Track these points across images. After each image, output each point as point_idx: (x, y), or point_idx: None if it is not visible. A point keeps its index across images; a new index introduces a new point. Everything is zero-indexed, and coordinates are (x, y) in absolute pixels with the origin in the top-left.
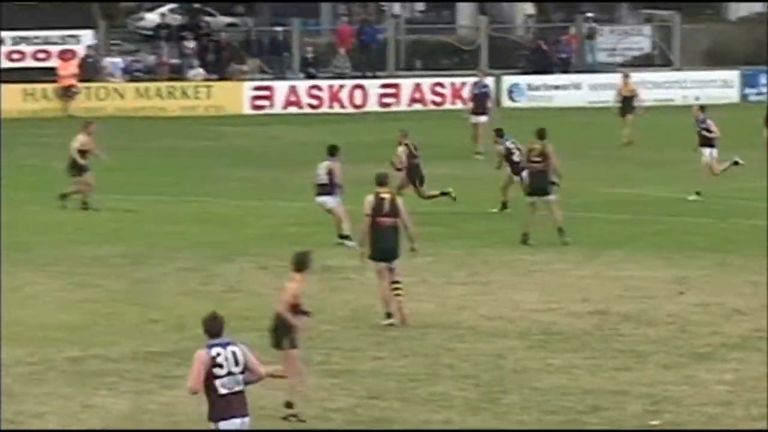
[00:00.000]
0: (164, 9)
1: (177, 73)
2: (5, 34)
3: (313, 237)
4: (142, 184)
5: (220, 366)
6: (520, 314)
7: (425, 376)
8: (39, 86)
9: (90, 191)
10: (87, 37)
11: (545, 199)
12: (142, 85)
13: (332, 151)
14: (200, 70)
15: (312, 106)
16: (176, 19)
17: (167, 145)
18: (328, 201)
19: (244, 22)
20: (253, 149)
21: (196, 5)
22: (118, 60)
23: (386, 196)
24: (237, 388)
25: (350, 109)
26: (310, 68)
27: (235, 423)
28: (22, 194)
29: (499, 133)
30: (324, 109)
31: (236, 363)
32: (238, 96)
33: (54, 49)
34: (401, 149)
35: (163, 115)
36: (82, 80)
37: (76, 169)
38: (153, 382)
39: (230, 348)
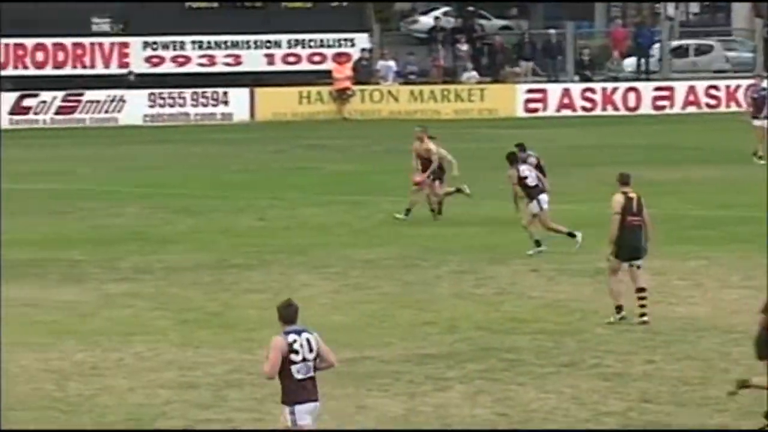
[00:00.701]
0: (438, 12)
1: (450, 76)
2: (281, 37)
3: (584, 240)
4: None
5: (296, 352)
6: None
7: (699, 380)
8: (314, 89)
9: (436, 199)
10: (362, 40)
11: None
12: (416, 87)
13: (516, 156)
14: (474, 73)
15: (585, 109)
16: (450, 22)
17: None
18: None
19: (518, 25)
20: None
21: (471, 8)
22: (391, 63)
23: (633, 195)
24: (309, 374)
25: (624, 112)
26: (585, 71)
27: (310, 407)
28: (295, 196)
29: (522, 148)
30: (597, 112)
31: (310, 350)
32: (511, 99)
33: (329, 52)
34: (433, 146)
35: (437, 117)
36: (356, 83)
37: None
38: (426, 384)
39: (304, 335)
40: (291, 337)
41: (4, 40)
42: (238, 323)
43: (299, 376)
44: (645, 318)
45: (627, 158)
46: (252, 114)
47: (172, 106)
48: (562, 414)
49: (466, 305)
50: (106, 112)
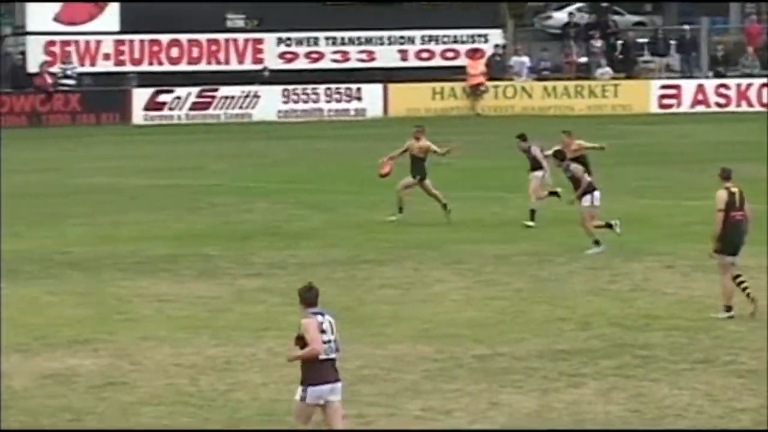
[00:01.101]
0: (572, 8)
1: (584, 72)
2: (415, 33)
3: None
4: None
5: (325, 332)
6: None
7: None
8: (447, 85)
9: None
10: (495, 35)
11: None
12: (549, 83)
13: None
14: (608, 69)
15: (719, 105)
16: (584, 18)
17: None
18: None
19: (652, 20)
20: (660, 148)
21: (605, 4)
22: (525, 59)
23: (735, 190)
24: (332, 355)
25: (758, 108)
26: (719, 67)
27: (325, 389)
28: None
29: (524, 138)
30: (731, 108)
31: (332, 332)
32: (645, 95)
33: (462, 48)
34: (430, 143)
35: (570, 113)
36: (489, 79)
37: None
38: (560, 381)
39: (327, 317)
40: (319, 318)
41: (140, 36)
42: (371, 318)
43: (322, 356)
44: (752, 295)
45: (761, 154)
46: (385, 110)
47: (305, 101)
48: (696, 411)
49: (599, 301)
50: (240, 107)
